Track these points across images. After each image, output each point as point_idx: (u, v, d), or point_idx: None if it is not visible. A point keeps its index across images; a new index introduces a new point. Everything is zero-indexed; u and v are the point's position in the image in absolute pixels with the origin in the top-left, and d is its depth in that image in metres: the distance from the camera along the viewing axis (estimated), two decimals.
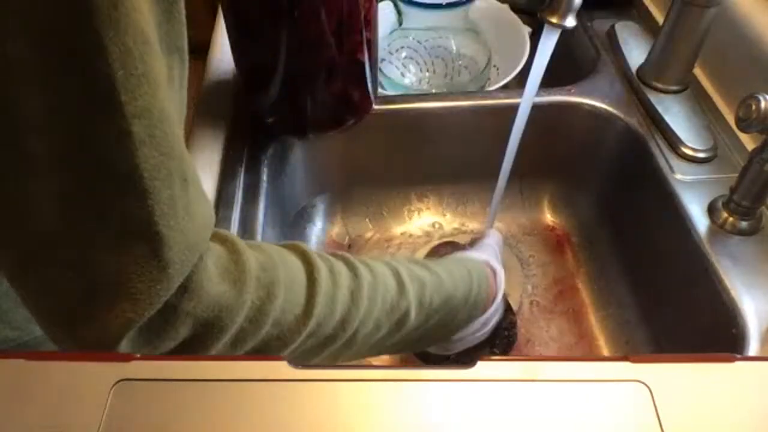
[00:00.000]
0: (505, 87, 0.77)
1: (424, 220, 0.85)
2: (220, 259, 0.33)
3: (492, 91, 0.76)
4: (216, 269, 0.32)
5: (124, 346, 0.31)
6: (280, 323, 0.35)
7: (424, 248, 0.78)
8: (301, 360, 0.39)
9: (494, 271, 0.57)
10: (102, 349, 0.31)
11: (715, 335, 0.56)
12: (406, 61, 0.84)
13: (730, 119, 0.68)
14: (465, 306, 0.51)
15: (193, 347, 0.33)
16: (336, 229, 0.84)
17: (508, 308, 0.72)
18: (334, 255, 0.41)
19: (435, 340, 0.52)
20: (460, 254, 0.58)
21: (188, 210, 0.30)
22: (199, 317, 0.31)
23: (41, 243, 0.28)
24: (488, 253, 0.59)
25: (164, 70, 0.28)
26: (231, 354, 0.34)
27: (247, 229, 0.61)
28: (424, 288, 0.45)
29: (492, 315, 0.56)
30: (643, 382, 0.39)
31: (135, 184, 0.27)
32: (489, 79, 0.82)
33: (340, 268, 0.40)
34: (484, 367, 0.40)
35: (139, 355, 0.41)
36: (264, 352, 0.36)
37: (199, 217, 0.31)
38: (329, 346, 0.40)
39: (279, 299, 0.34)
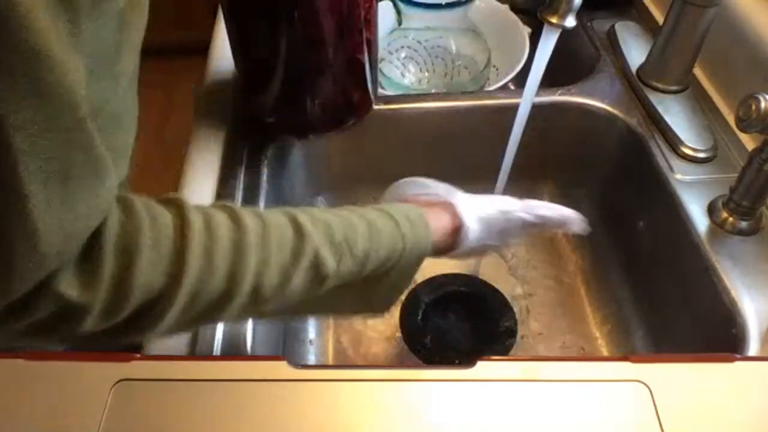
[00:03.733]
0: (504, 87, 0.77)
1: None
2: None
3: (492, 91, 0.76)
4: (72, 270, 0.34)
5: None
6: (149, 286, 0.35)
7: None
8: (231, 320, 0.40)
9: (441, 204, 0.52)
10: None
11: (715, 335, 0.56)
12: (405, 61, 0.84)
13: (730, 119, 0.68)
14: (401, 242, 0.45)
15: (56, 325, 0.34)
16: None
17: (510, 319, 0.72)
18: (220, 206, 0.40)
19: (395, 283, 0.48)
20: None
21: (68, 208, 0.31)
22: (62, 301, 0.33)
23: None
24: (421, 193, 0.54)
25: (72, 74, 0.29)
26: (107, 325, 0.35)
27: None
28: (331, 228, 0.42)
29: (470, 238, 0.50)
30: (643, 382, 0.39)
31: (10, 188, 0.29)
32: (488, 79, 0.82)
33: (220, 219, 0.38)
34: (484, 367, 0.40)
35: (139, 355, 0.41)
36: (140, 320, 0.36)
37: (81, 213, 0.32)
38: (232, 303, 0.38)
39: (141, 262, 0.34)
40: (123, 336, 0.37)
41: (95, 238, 0.33)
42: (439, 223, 0.49)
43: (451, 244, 0.51)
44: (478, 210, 0.51)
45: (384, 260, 0.45)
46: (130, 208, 0.35)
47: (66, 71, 0.29)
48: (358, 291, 0.46)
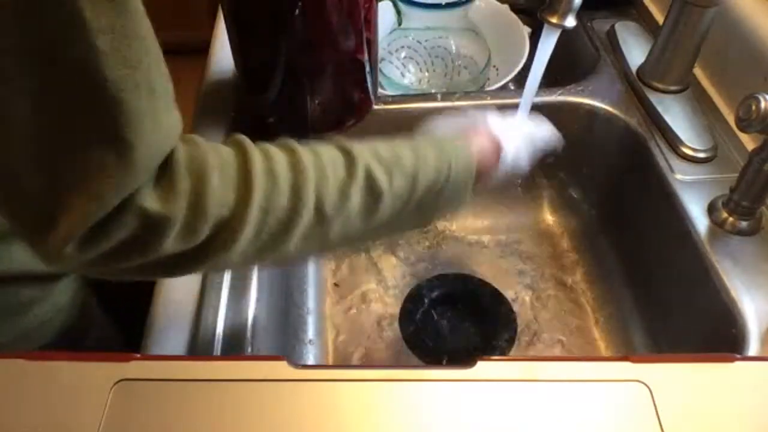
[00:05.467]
0: (504, 87, 0.77)
1: None
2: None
3: (492, 91, 0.76)
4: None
5: (70, 247, 0.33)
6: (222, 203, 0.36)
7: None
8: (300, 248, 0.41)
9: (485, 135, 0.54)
10: (54, 250, 0.33)
11: (715, 335, 0.56)
12: (405, 61, 0.84)
13: (730, 119, 0.68)
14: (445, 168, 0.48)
15: (137, 246, 0.35)
16: None
17: (510, 319, 0.72)
18: (275, 142, 0.43)
19: (438, 208, 0.50)
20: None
21: (154, 119, 0.33)
22: (145, 216, 0.34)
23: (12, 147, 0.31)
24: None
25: None
26: (187, 247, 0.36)
27: None
28: (377, 148, 0.46)
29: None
30: (643, 382, 0.39)
31: (102, 94, 0.30)
32: (488, 79, 0.82)
33: (275, 148, 0.42)
34: (484, 367, 0.40)
35: (139, 355, 0.41)
36: (217, 242, 0.37)
37: (164, 127, 0.34)
38: (300, 222, 0.40)
39: (212, 181, 0.36)
40: (202, 261, 0.38)
41: (168, 159, 0.35)
42: (479, 142, 0.52)
43: (492, 164, 0.53)
44: (512, 134, 0.54)
45: (434, 179, 0.47)
46: (191, 140, 0.38)
47: None
48: (414, 213, 0.48)
